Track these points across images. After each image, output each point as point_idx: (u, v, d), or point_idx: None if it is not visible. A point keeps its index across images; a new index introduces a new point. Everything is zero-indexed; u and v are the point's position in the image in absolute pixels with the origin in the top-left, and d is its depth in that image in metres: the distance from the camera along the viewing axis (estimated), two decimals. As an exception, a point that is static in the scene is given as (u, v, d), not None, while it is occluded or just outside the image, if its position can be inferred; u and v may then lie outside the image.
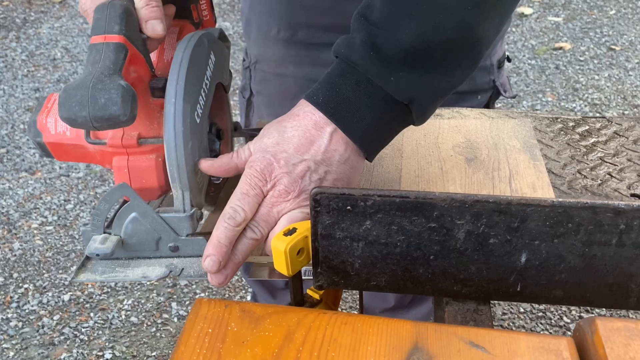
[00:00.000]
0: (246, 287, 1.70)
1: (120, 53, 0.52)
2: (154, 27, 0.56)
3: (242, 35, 3.10)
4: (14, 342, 1.54)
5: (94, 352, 1.52)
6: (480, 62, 0.59)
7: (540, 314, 1.64)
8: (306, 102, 0.55)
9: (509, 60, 0.97)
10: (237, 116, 2.39)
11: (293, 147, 0.54)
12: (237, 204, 0.53)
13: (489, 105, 0.97)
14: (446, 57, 0.53)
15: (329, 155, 0.54)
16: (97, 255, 0.55)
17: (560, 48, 3.04)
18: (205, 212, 0.65)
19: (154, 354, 1.53)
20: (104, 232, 0.57)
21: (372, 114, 0.54)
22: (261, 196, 0.54)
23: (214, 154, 0.64)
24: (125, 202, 0.56)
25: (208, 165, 0.58)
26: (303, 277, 0.55)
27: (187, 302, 1.66)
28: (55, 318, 1.61)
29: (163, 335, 1.57)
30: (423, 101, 0.54)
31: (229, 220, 0.52)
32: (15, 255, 1.80)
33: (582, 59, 2.93)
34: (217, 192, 0.69)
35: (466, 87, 0.90)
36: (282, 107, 0.99)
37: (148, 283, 1.70)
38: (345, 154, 0.55)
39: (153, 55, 0.63)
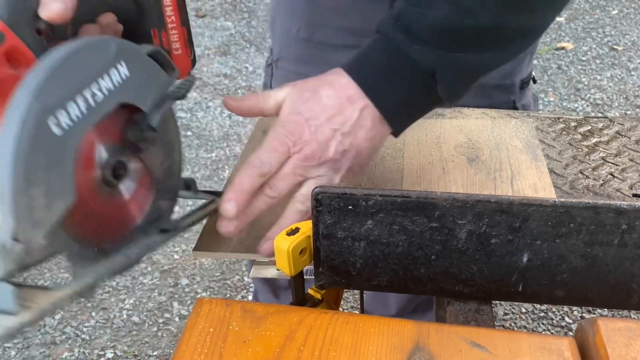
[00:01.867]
0: (247, 287, 1.70)
1: None
2: (47, 6, 0.44)
3: (244, 34, 3.11)
4: (15, 341, 1.54)
5: (96, 352, 1.52)
6: (521, 53, 0.61)
7: (542, 314, 1.64)
8: (343, 73, 0.57)
9: (534, 81, 0.95)
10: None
11: (325, 116, 0.55)
12: (265, 156, 0.54)
13: None
14: (475, 41, 0.54)
15: (356, 130, 0.56)
16: None
17: (563, 48, 3.03)
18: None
19: (155, 353, 1.53)
20: None
21: (402, 84, 0.56)
22: (286, 156, 0.55)
23: (108, 201, 0.50)
24: None
25: (234, 105, 0.59)
26: (305, 277, 0.55)
27: (189, 302, 1.66)
28: (56, 317, 1.61)
29: (164, 335, 1.57)
30: (448, 75, 0.56)
31: (255, 169, 0.54)
32: (17, 254, 1.80)
33: (584, 59, 2.93)
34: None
35: (484, 104, 0.88)
36: None
37: (149, 282, 1.70)
38: (371, 132, 0.57)
39: None
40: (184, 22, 0.57)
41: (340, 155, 0.56)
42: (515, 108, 0.93)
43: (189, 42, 0.59)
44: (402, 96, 0.57)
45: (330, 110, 0.56)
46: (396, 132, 0.59)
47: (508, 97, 0.92)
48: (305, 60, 0.94)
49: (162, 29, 0.56)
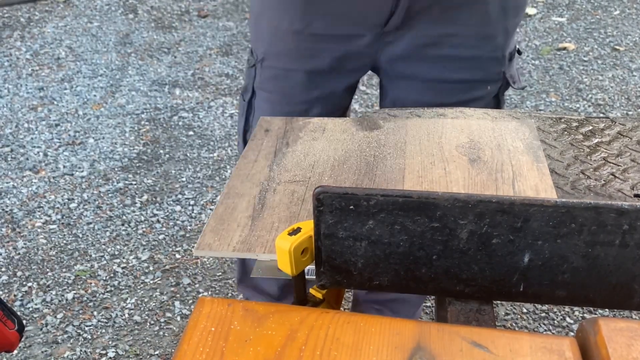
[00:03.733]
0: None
1: None
2: None
3: (245, 34, 3.10)
4: (17, 340, 1.54)
5: (97, 351, 1.52)
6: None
7: (543, 314, 1.64)
8: None
9: (519, 52, 0.99)
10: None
11: None
12: None
13: (498, 95, 0.98)
14: None
15: None
16: None
17: (564, 48, 3.03)
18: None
19: (157, 352, 1.53)
20: None
21: None
22: None
23: None
24: None
25: None
26: (306, 277, 0.55)
27: (190, 301, 1.66)
28: (58, 316, 1.61)
29: (166, 334, 1.57)
30: None
31: None
32: (19, 253, 1.80)
33: (586, 59, 2.92)
34: None
35: (478, 76, 0.91)
36: (287, 105, 1.00)
37: (151, 282, 1.71)
38: None
39: None
40: None
41: None
42: (505, 79, 0.96)
43: (5, 316, 0.54)
44: None
45: None
46: None
47: (499, 68, 0.95)
48: (295, 56, 0.94)
49: None
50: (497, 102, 0.98)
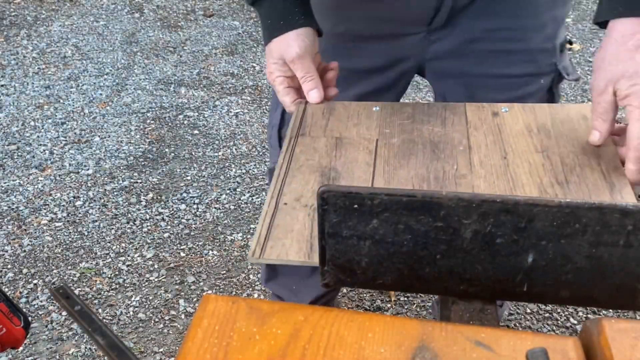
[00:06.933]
0: (253, 285, 1.71)
1: None
2: None
3: (251, 34, 3.11)
4: (23, 337, 1.55)
5: (102, 348, 1.53)
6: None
7: (547, 314, 1.64)
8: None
9: (570, 43, 0.97)
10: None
11: None
12: None
13: (552, 88, 0.95)
14: None
15: None
16: None
17: (570, 49, 3.02)
18: None
19: (161, 350, 1.53)
20: None
21: None
22: None
23: None
24: None
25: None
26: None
27: (195, 299, 1.67)
28: (64, 313, 1.62)
29: (170, 332, 1.57)
30: None
31: None
32: (24, 251, 1.81)
33: (591, 60, 2.91)
34: None
35: (530, 69, 0.89)
36: None
37: (156, 280, 1.71)
38: None
39: None
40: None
41: None
42: (557, 70, 0.93)
43: (11, 312, 0.55)
44: None
45: None
46: None
47: (551, 60, 0.92)
48: (336, 54, 0.91)
49: None
50: (551, 96, 0.95)
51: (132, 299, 1.67)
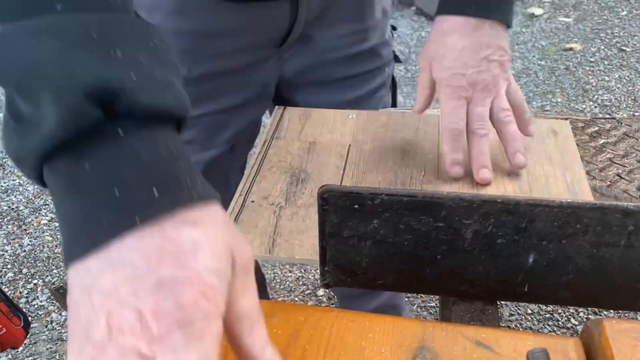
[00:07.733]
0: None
1: None
2: None
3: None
4: (22, 337, 1.55)
5: (102, 348, 1.53)
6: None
7: (548, 315, 1.64)
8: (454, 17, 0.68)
9: (394, 28, 1.01)
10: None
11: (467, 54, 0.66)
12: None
13: (393, 76, 1.01)
14: None
15: (497, 43, 0.66)
16: None
17: (571, 49, 3.02)
18: None
19: (161, 350, 1.53)
20: None
21: None
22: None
23: None
24: None
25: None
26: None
27: (195, 300, 1.67)
28: (64, 314, 1.62)
29: (170, 332, 1.58)
30: None
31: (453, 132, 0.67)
32: (24, 250, 1.81)
33: (592, 60, 2.91)
34: None
35: (378, 63, 0.94)
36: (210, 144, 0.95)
37: (156, 280, 1.71)
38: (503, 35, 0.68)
39: None
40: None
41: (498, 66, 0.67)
42: (395, 56, 1.00)
43: (11, 312, 0.55)
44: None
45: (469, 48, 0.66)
46: (510, 24, 0.70)
47: (390, 49, 0.97)
48: (204, 99, 0.89)
49: None
50: (394, 84, 1.02)
51: (132, 299, 1.67)
